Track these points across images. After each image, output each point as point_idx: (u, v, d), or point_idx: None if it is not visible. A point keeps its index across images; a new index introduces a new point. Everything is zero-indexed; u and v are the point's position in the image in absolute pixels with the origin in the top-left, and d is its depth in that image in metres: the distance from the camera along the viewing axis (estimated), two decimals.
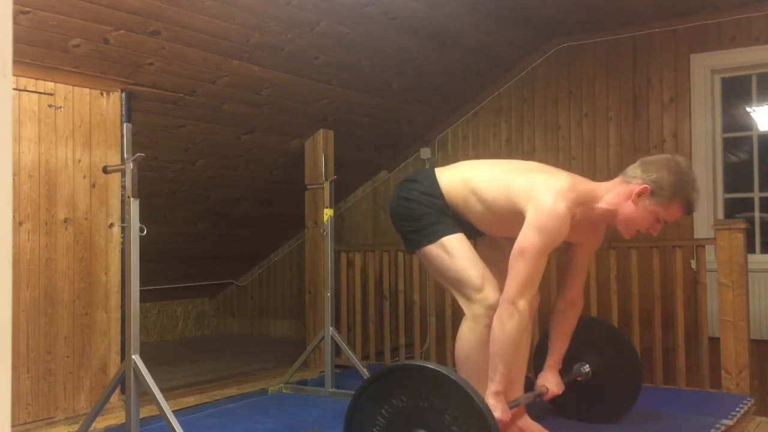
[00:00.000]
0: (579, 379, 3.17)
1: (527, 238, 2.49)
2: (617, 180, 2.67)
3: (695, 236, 4.70)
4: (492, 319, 2.57)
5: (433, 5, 4.13)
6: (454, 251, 2.66)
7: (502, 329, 2.49)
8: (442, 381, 2.15)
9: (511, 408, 2.60)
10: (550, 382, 2.95)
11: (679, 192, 2.57)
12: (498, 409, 2.42)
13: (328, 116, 4.93)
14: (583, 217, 2.63)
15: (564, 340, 2.97)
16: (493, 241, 2.93)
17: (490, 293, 2.62)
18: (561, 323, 2.95)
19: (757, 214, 4.76)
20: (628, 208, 2.60)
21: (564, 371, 3.06)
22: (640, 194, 2.57)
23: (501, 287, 2.61)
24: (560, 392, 2.96)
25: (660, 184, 2.56)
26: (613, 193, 2.63)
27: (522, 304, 2.48)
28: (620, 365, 3.20)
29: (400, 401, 2.17)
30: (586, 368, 3.18)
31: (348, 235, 6.10)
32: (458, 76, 5.25)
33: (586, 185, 2.68)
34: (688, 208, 2.62)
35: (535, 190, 2.54)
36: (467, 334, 2.67)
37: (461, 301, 2.69)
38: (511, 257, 2.52)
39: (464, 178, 2.74)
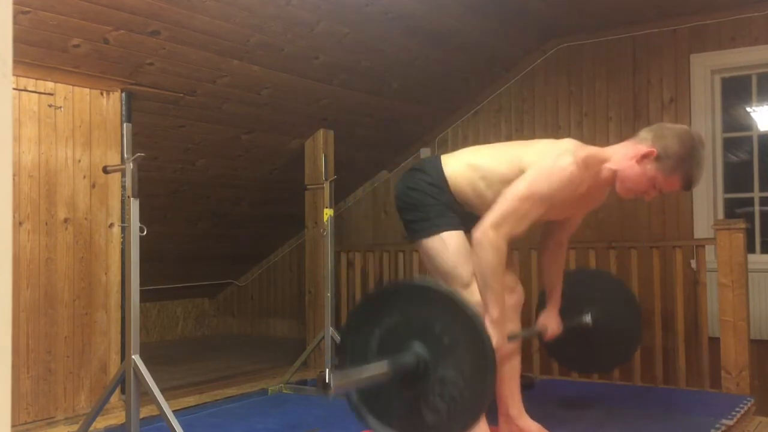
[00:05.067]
0: (583, 324, 3.15)
1: (525, 180, 2.50)
2: (627, 141, 2.67)
3: (695, 236, 4.70)
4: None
5: (433, 5, 4.13)
6: (451, 246, 2.67)
7: (478, 261, 2.50)
8: (428, 293, 2.12)
9: (510, 340, 2.58)
10: (550, 321, 2.96)
11: (682, 165, 2.56)
12: (495, 336, 2.36)
13: (328, 116, 4.93)
14: (591, 183, 2.62)
15: (558, 277, 2.99)
16: None
17: (476, 290, 2.64)
18: (553, 261, 2.98)
19: (757, 209, 4.75)
20: (631, 168, 2.60)
21: (566, 319, 3.05)
22: (645, 156, 2.57)
23: (506, 277, 2.69)
24: (559, 332, 2.96)
25: (667, 152, 2.55)
26: (621, 153, 2.63)
27: (492, 234, 2.46)
28: (621, 313, 3.19)
29: (391, 319, 2.15)
30: (588, 318, 3.16)
31: (348, 235, 6.10)
32: (458, 76, 5.25)
33: (594, 149, 2.68)
34: (688, 183, 2.61)
35: (544, 151, 2.57)
36: None
37: None
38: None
39: (470, 164, 2.74)
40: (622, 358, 3.22)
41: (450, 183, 2.73)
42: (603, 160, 2.64)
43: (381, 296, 2.24)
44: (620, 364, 3.22)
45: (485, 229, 2.46)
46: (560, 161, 2.50)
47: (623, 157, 2.61)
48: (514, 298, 2.87)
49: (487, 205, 2.70)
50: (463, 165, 2.76)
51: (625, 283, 3.49)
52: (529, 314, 3.22)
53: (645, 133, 2.62)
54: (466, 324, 2.04)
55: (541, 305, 3.17)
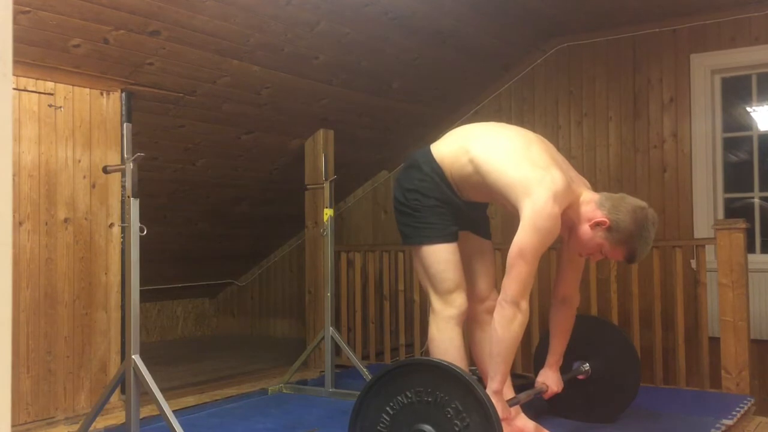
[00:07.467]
0: (579, 377, 3.17)
1: (525, 238, 2.53)
2: (595, 198, 2.73)
3: (695, 236, 4.70)
4: (458, 318, 2.76)
5: (433, 5, 4.13)
6: (442, 258, 2.77)
7: (506, 329, 2.53)
8: (445, 374, 2.16)
9: (510, 406, 2.62)
10: (550, 380, 2.97)
11: (630, 241, 2.67)
12: (499, 408, 2.43)
13: (328, 116, 4.92)
14: (565, 217, 2.71)
15: (561, 337, 3.00)
16: (476, 243, 3.00)
17: (458, 296, 2.78)
18: (557, 321, 3.00)
19: (757, 209, 4.76)
20: (584, 231, 2.71)
21: (564, 369, 3.07)
22: (598, 224, 2.67)
23: (481, 285, 2.92)
24: (560, 390, 2.98)
25: (619, 226, 2.65)
26: (584, 210, 2.72)
27: (524, 304, 2.55)
28: (620, 364, 3.20)
29: (405, 397, 2.19)
30: (586, 366, 3.18)
31: (348, 235, 6.10)
32: (458, 76, 5.25)
33: (577, 189, 2.74)
34: (631, 258, 2.74)
35: (531, 188, 2.57)
36: (437, 334, 2.80)
37: (432, 297, 2.83)
38: (509, 257, 2.57)
39: (462, 146, 2.79)
40: (624, 404, 3.24)
41: (444, 169, 2.79)
42: (576, 205, 2.71)
43: (395, 372, 2.26)
44: (622, 411, 3.24)
45: (516, 301, 2.53)
46: (553, 210, 2.55)
47: (585, 213, 2.71)
48: (487, 304, 2.97)
49: (463, 179, 2.76)
50: (455, 145, 2.82)
51: (621, 329, 3.52)
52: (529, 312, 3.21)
53: (605, 200, 2.71)
54: (479, 408, 2.10)
55: (543, 347, 3.18)
